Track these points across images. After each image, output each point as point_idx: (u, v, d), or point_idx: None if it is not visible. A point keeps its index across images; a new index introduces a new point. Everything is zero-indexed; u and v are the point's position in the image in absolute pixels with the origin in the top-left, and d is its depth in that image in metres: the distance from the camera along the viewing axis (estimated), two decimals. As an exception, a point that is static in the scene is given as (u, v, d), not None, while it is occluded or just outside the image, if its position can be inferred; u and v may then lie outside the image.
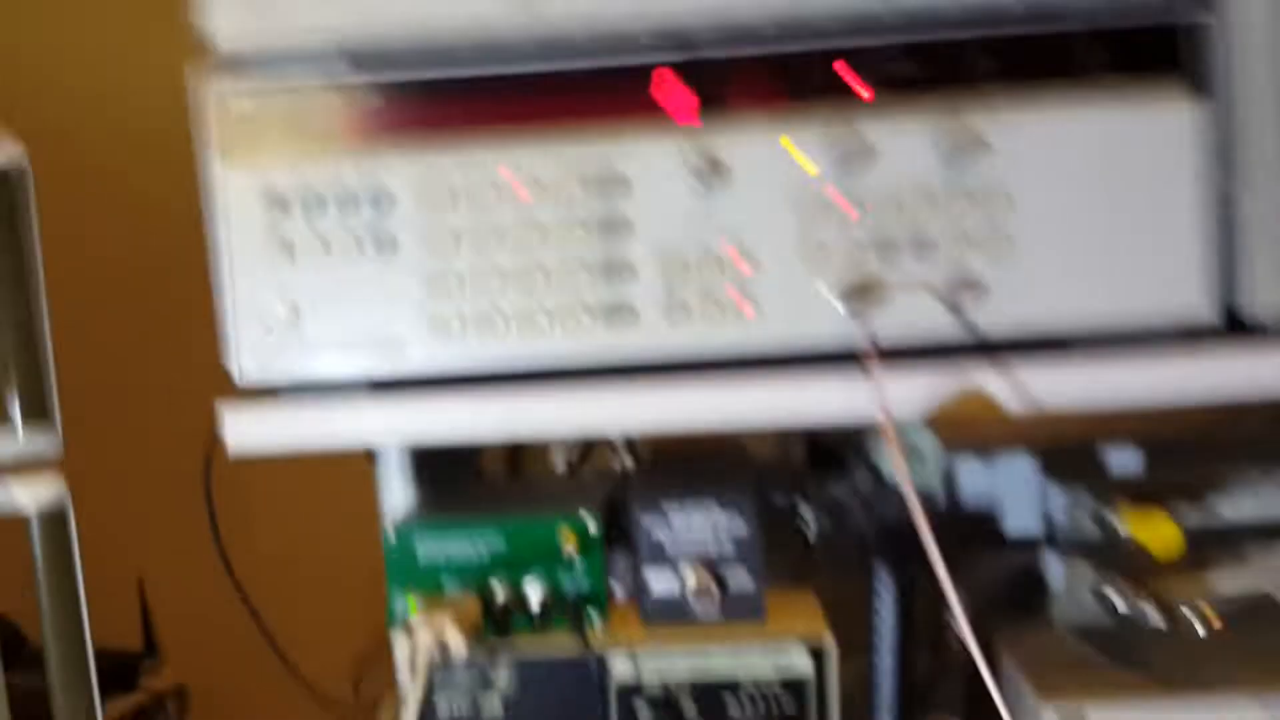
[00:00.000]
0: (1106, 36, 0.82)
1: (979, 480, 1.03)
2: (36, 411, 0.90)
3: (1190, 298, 0.83)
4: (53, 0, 1.55)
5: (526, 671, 0.87)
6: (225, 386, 0.86)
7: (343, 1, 0.83)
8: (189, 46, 0.84)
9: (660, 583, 0.89)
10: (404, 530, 0.89)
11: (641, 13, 0.83)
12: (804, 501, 0.96)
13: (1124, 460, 1.01)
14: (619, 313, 0.85)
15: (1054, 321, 0.84)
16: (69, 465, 0.93)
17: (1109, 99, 0.82)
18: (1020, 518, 1.02)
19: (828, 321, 0.84)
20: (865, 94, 0.83)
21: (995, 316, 0.83)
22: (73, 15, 1.58)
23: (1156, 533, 0.88)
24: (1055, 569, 0.99)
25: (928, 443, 0.99)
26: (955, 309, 0.83)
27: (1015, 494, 1.02)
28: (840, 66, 0.83)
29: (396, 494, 0.99)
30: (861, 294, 0.82)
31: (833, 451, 1.03)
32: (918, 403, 0.82)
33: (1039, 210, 0.83)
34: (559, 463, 1.22)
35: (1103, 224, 0.83)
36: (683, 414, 0.84)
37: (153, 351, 1.59)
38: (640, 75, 0.84)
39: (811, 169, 0.83)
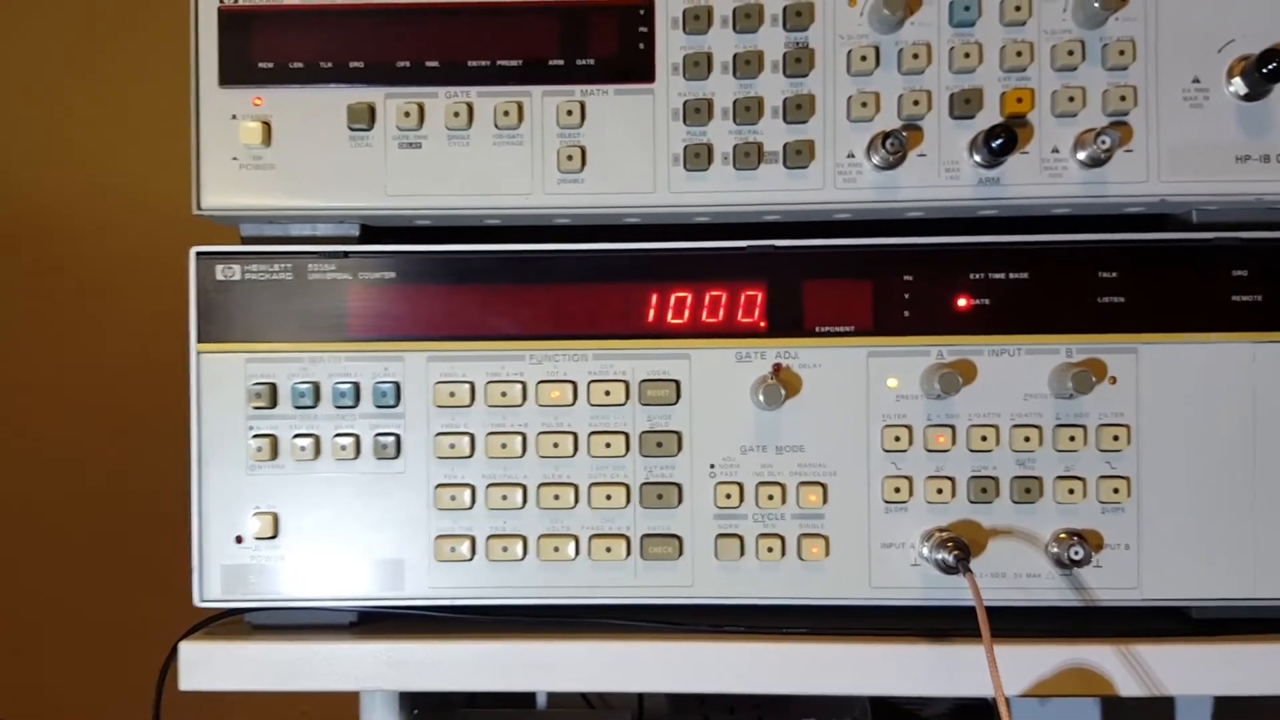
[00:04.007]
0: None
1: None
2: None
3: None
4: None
5: None
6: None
7: (356, 178, 0.71)
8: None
9: None
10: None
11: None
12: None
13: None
14: (660, 542, 0.71)
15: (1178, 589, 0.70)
16: None
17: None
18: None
19: (909, 572, 0.71)
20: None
21: (1111, 579, 0.70)
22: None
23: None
24: None
25: None
26: (1065, 566, 0.69)
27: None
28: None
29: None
30: (954, 543, 0.68)
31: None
32: (1017, 679, 0.68)
33: (1162, 452, 0.70)
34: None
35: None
36: (733, 675, 0.70)
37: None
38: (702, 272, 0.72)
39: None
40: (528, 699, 1.09)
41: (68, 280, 1.30)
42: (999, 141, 0.67)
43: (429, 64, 0.71)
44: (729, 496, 0.71)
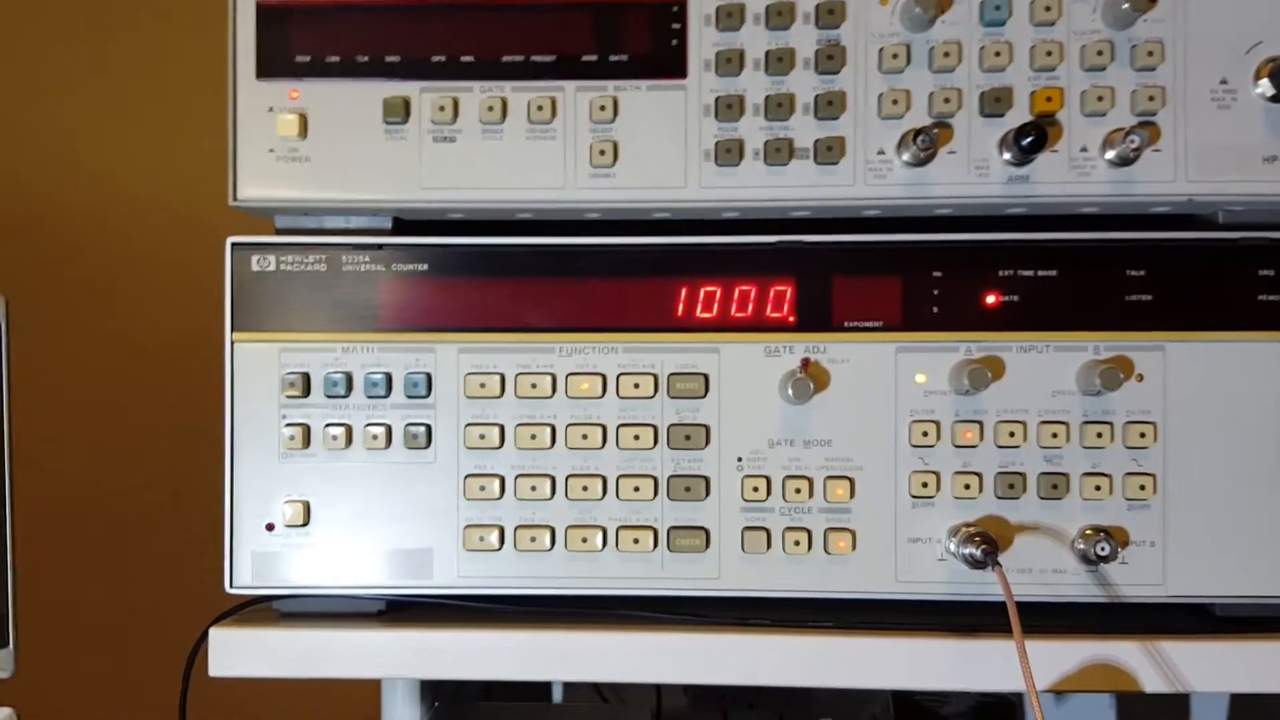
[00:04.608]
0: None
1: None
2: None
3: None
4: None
5: None
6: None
7: (391, 171, 0.72)
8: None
9: None
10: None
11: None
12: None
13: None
14: (687, 534, 0.72)
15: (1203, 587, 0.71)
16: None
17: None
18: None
19: (935, 567, 0.71)
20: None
21: (1136, 576, 0.70)
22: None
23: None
24: None
25: None
26: (1091, 562, 0.69)
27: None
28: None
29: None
30: (981, 538, 0.69)
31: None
32: (1043, 674, 0.68)
33: (1188, 450, 0.71)
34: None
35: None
36: (759, 668, 0.70)
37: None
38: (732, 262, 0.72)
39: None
40: (544, 692, 1.10)
41: (81, 276, 1.31)
42: (1029, 140, 0.67)
43: (464, 59, 0.71)
44: (756, 490, 0.71)
